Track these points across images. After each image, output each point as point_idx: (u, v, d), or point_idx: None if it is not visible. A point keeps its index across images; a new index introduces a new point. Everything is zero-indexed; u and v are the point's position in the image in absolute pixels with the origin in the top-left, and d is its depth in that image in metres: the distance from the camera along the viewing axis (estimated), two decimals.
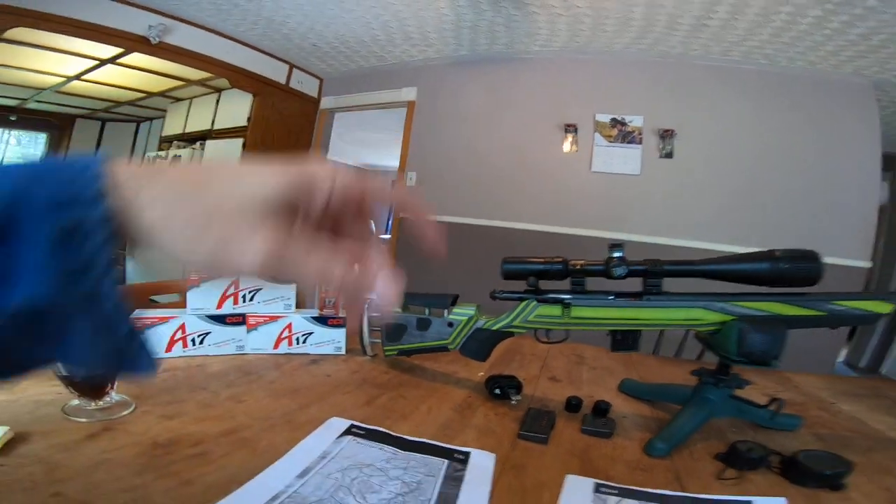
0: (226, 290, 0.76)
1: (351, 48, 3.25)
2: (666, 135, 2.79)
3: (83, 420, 0.51)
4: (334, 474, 0.45)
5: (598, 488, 0.46)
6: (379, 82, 3.60)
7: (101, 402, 0.53)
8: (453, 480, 0.46)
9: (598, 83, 2.95)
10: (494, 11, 2.54)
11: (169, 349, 0.73)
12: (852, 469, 0.50)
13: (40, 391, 0.57)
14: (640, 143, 2.85)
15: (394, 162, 3.76)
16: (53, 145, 5.02)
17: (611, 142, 2.90)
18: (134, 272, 4.44)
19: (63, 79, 3.65)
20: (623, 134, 2.88)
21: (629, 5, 2.31)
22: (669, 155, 2.80)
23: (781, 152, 2.64)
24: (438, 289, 0.75)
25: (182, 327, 0.73)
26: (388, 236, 3.57)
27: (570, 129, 2.97)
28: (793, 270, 0.58)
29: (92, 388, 0.52)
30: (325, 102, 3.92)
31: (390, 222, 3.69)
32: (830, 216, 2.56)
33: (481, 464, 0.50)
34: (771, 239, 2.57)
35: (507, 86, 3.17)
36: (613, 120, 2.89)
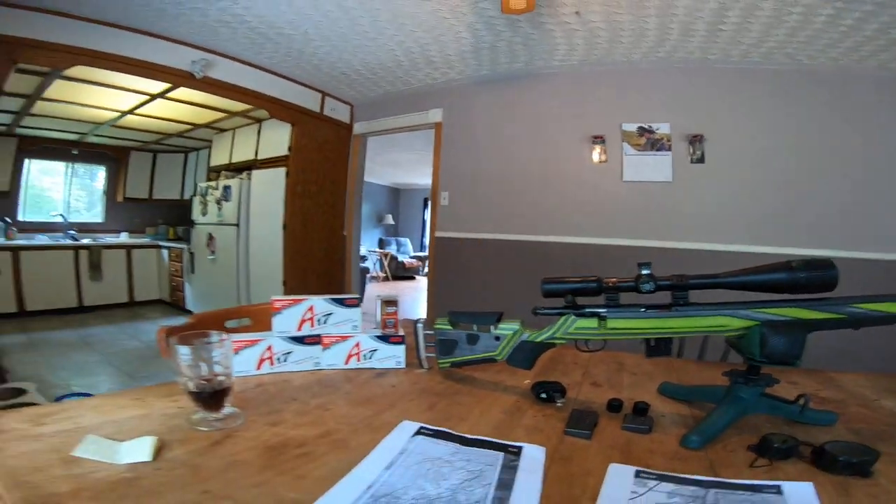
0: (303, 315, 0.88)
1: (377, 74, 3.38)
2: (695, 140, 2.75)
3: (206, 429, 0.61)
4: (413, 466, 0.54)
5: (638, 474, 0.53)
6: (406, 105, 3.71)
7: (218, 414, 0.64)
8: (509, 469, 0.54)
9: (621, 93, 2.95)
10: (512, 31, 2.60)
11: (259, 367, 0.85)
12: (879, 457, 0.53)
13: (165, 406, 0.69)
14: (670, 149, 2.82)
15: (426, 180, 3.85)
16: (112, 177, 5.36)
17: (640, 150, 2.88)
18: (193, 300, 4.73)
19: (118, 113, 3.92)
20: (651, 142, 2.86)
21: (641, 17, 2.33)
22: (701, 160, 2.76)
23: (818, 149, 2.56)
24: (481, 305, 0.83)
25: (269, 348, 0.85)
26: (424, 254, 3.64)
27: (598, 140, 2.97)
28: (809, 279, 0.63)
29: (213, 402, 0.64)
30: (357, 128, 4.05)
31: (426, 240, 3.77)
32: (881, 211, 2.45)
33: (533, 455, 0.58)
34: (820, 239, 2.50)
35: (530, 101, 3.20)
36: (640, 128, 2.88)
